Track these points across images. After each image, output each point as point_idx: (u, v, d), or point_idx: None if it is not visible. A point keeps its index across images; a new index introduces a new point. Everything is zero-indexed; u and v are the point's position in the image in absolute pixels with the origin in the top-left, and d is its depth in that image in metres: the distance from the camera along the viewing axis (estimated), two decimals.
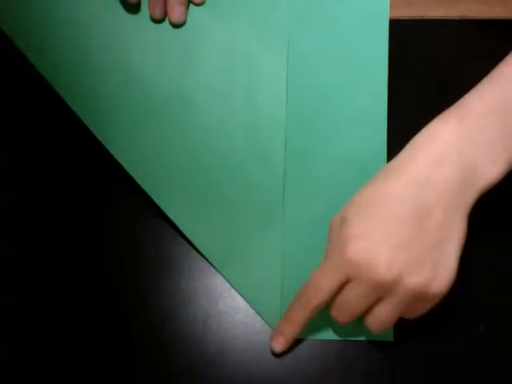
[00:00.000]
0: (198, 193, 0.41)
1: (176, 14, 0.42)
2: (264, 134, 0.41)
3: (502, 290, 0.39)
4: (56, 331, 0.39)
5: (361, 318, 0.34)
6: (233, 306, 0.40)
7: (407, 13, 0.47)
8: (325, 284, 0.33)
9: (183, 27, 0.42)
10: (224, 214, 0.40)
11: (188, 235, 0.40)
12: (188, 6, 0.42)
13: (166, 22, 0.42)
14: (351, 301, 0.33)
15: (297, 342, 0.38)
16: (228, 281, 0.40)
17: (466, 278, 0.34)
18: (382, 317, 0.33)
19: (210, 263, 0.40)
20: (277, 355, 0.38)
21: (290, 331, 0.37)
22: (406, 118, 0.40)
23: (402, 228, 0.31)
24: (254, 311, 0.40)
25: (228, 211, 0.40)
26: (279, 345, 0.37)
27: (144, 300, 0.40)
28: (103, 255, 0.41)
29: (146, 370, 0.38)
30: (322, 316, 0.36)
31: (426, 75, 0.44)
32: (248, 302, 0.40)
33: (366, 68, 0.41)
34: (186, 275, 0.41)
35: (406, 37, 0.45)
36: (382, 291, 0.32)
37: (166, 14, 0.42)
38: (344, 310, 0.34)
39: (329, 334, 0.38)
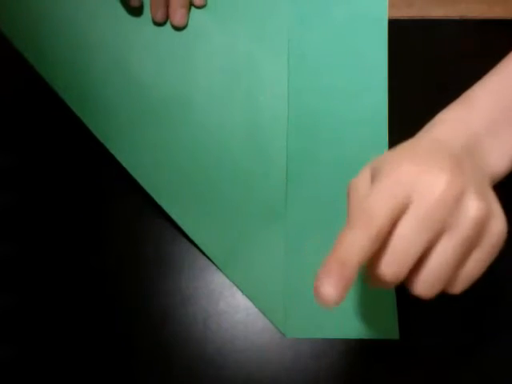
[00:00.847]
0: (201, 193, 0.41)
1: (178, 16, 0.42)
2: (266, 134, 0.41)
3: (504, 290, 0.39)
4: (56, 331, 0.39)
5: (367, 317, 0.33)
6: (233, 306, 0.40)
7: (407, 13, 0.47)
8: (379, 207, 0.26)
9: (184, 29, 0.43)
10: (227, 214, 0.40)
11: (191, 235, 0.40)
12: (189, 8, 0.42)
13: (167, 24, 0.42)
14: (407, 236, 0.26)
15: (297, 343, 0.38)
16: (231, 280, 0.40)
17: None
18: (442, 262, 0.26)
19: (211, 262, 0.40)
20: (328, 305, 0.25)
21: (345, 267, 0.25)
22: (406, 118, 0.40)
23: (446, 159, 0.28)
24: (254, 310, 0.40)
25: (231, 211, 0.40)
26: (331, 287, 0.24)
27: (144, 300, 0.40)
28: (103, 255, 0.41)
29: (146, 370, 0.38)
30: (326, 314, 0.36)
31: (425, 75, 0.44)
32: (251, 301, 0.40)
33: (366, 68, 0.41)
34: (185, 274, 0.41)
35: (406, 37, 0.45)
36: (443, 217, 0.26)
37: (167, 16, 0.42)
38: (397, 254, 0.26)
39: (333, 333, 0.38)
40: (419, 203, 0.26)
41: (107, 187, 0.43)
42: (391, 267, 0.26)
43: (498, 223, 0.27)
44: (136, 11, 0.42)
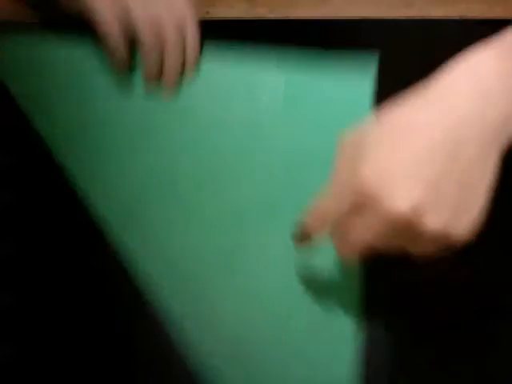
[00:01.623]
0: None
1: (171, 84, 0.43)
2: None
3: (505, 291, 0.39)
4: (56, 331, 0.39)
5: None
6: None
7: (407, 13, 0.47)
8: (330, 211, 0.30)
9: (174, 103, 0.43)
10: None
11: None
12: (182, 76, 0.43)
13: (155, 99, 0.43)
14: (357, 233, 0.29)
15: None
16: None
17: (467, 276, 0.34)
18: (370, 241, 0.29)
19: None
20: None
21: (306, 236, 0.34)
22: None
23: (430, 162, 0.27)
24: None
25: None
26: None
27: (144, 300, 0.40)
28: (103, 255, 0.41)
29: (146, 370, 0.38)
30: None
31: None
32: None
33: None
34: None
35: (406, 37, 0.45)
36: (394, 227, 0.28)
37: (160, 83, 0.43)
38: (348, 242, 0.30)
39: None
40: (373, 212, 0.28)
41: None
42: (339, 249, 0.31)
43: (455, 235, 0.28)
44: (128, 85, 0.44)
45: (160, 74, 0.43)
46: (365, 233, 0.29)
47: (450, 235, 0.28)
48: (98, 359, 0.38)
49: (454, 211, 0.28)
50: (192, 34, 0.43)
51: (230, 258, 0.40)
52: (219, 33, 0.49)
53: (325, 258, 0.35)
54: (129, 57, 0.43)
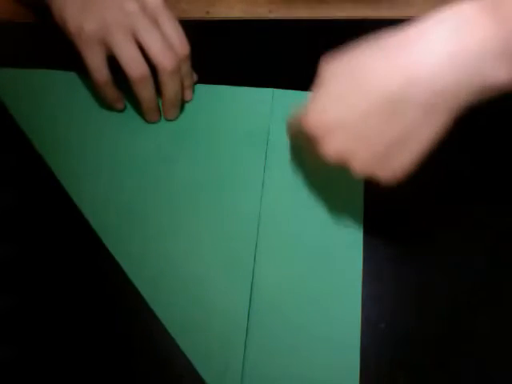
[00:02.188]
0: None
1: (170, 115, 0.45)
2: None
3: (500, 291, 0.39)
4: (56, 331, 0.39)
5: None
6: None
7: (407, 13, 0.47)
8: (299, 128, 0.33)
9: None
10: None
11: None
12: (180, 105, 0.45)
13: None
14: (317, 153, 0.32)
15: None
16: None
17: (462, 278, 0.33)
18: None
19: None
20: None
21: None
22: None
23: (368, 118, 0.28)
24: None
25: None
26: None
27: (144, 300, 0.40)
28: (103, 255, 0.41)
29: (146, 370, 0.38)
30: None
31: None
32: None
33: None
34: None
35: None
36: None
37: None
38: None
39: None
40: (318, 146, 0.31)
41: None
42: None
43: (386, 179, 0.30)
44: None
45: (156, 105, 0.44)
46: (320, 156, 0.32)
47: (378, 178, 0.30)
48: (98, 359, 0.38)
49: (380, 160, 0.29)
50: (186, 69, 0.43)
51: (230, 258, 0.40)
52: (219, 33, 0.49)
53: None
54: (120, 95, 0.44)
